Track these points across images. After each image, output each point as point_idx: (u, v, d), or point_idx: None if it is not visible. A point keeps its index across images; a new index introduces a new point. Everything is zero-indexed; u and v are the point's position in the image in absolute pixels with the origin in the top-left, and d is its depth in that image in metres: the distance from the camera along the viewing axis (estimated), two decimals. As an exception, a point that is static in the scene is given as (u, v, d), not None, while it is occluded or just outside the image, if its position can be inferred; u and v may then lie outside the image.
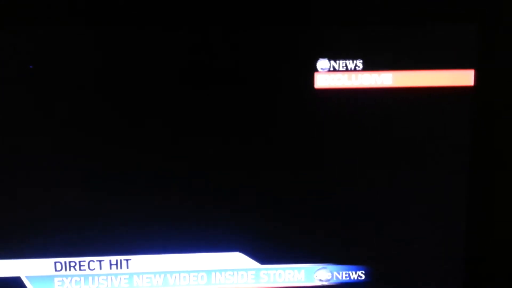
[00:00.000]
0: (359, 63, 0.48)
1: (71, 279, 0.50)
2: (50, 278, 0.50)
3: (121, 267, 0.50)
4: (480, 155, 0.50)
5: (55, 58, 0.47)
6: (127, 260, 0.50)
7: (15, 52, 0.46)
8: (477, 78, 0.49)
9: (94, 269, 0.50)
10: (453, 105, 0.49)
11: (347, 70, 0.48)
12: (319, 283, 0.51)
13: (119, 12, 0.46)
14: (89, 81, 0.47)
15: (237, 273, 0.51)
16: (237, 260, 0.51)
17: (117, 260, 0.50)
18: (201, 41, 0.47)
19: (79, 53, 0.47)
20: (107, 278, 0.51)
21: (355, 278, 0.52)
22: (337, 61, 0.48)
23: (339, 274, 0.52)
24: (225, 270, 0.51)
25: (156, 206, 0.49)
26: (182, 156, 0.49)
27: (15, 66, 0.46)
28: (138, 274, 0.51)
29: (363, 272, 0.51)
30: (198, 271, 0.51)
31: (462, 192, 0.50)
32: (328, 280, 0.52)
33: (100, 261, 0.50)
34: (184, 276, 0.51)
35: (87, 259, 0.50)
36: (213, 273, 0.51)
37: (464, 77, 0.49)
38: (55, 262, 0.50)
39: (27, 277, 0.50)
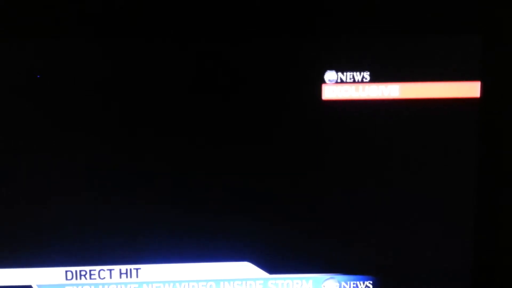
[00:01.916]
0: (366, 75, 0.49)
1: (81, 288, 0.51)
2: (61, 286, 0.51)
3: (130, 276, 0.51)
4: (487, 166, 0.50)
5: (62, 69, 0.47)
6: (136, 269, 0.51)
7: (23, 63, 0.47)
8: (483, 89, 0.49)
9: (104, 278, 0.51)
10: (460, 117, 0.50)
11: (354, 81, 0.49)
12: (327, 293, 0.52)
13: (125, 25, 0.47)
14: (95, 92, 0.48)
15: (246, 283, 0.51)
16: (245, 269, 0.51)
17: (127, 269, 0.51)
18: (209, 52, 0.48)
19: (85, 65, 0.47)
20: (117, 287, 0.51)
21: (363, 287, 0.52)
22: (345, 73, 0.49)
23: (346, 284, 0.52)
24: (234, 280, 0.51)
25: (165, 215, 0.50)
26: (191, 166, 0.49)
27: (23, 76, 0.47)
28: (147, 283, 0.51)
29: (371, 282, 0.52)
30: (207, 281, 0.51)
31: (469, 203, 0.51)
32: (335, 290, 0.52)
33: (110, 270, 0.51)
34: (193, 285, 0.51)
35: (98, 268, 0.51)
36: (221, 283, 0.51)
37: (471, 89, 0.49)
38: (66, 271, 0.50)
39: (38, 285, 0.50)
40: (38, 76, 0.47)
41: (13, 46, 0.47)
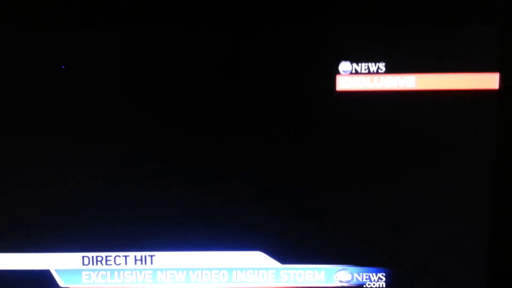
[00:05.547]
0: (382, 65, 0.48)
1: (97, 273, 0.52)
2: (78, 271, 0.52)
3: (145, 263, 0.52)
4: (504, 158, 0.49)
5: (87, 60, 0.48)
6: (151, 256, 0.52)
7: (49, 54, 0.48)
8: (502, 81, 0.48)
9: (120, 264, 0.52)
10: (478, 109, 0.49)
11: (369, 72, 0.48)
12: (339, 284, 0.52)
13: (145, 17, 0.48)
14: (119, 83, 0.49)
15: (258, 272, 0.52)
16: (258, 259, 0.51)
17: (142, 256, 0.52)
18: (223, 44, 0.48)
19: (109, 55, 0.48)
20: (132, 273, 0.52)
21: (376, 280, 0.52)
22: (359, 64, 0.48)
23: (359, 275, 0.52)
24: (246, 269, 0.52)
25: (181, 204, 0.50)
26: (207, 156, 0.50)
27: (48, 67, 0.48)
28: (161, 270, 0.52)
29: (384, 274, 0.51)
30: (219, 269, 0.52)
31: (486, 196, 0.50)
32: (348, 282, 0.52)
33: (125, 256, 0.52)
34: (206, 273, 0.52)
35: (114, 254, 0.52)
36: (234, 271, 0.52)
37: (489, 80, 0.48)
38: (83, 257, 0.52)
39: (56, 270, 0.52)
40: (63, 67, 0.48)
41: (37, 36, 0.48)
